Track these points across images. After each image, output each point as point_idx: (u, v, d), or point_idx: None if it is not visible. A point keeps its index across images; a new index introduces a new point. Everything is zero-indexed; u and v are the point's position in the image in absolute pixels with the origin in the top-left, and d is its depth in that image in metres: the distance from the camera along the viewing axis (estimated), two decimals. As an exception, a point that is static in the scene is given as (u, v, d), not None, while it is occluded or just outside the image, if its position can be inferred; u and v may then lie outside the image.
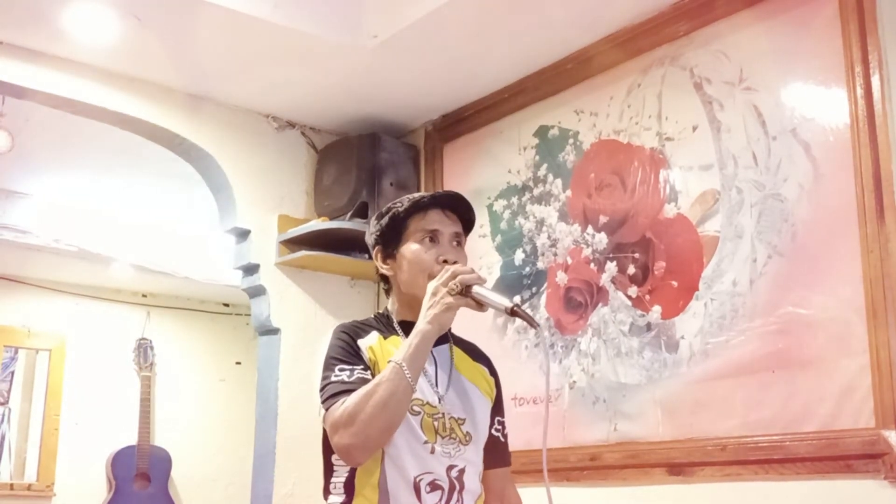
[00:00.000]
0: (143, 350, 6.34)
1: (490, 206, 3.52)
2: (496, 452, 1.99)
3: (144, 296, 6.51)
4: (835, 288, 2.45)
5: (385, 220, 1.92)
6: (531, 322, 1.76)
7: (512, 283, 3.38)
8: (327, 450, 1.83)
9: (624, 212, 3.04)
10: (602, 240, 3.09)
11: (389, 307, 1.96)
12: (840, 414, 2.40)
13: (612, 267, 3.04)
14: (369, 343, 1.85)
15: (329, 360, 1.81)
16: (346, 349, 1.82)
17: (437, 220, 1.89)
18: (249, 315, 3.89)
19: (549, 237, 3.28)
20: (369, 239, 1.97)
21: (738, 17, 2.79)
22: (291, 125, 3.87)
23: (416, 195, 1.93)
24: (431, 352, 1.84)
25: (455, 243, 1.90)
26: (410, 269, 1.87)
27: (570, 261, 3.19)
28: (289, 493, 3.54)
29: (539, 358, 3.22)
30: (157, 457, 6.13)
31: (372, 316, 1.98)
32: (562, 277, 3.21)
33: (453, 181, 3.69)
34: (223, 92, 3.59)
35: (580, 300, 3.13)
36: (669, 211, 2.90)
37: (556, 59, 3.28)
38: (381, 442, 1.73)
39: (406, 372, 1.70)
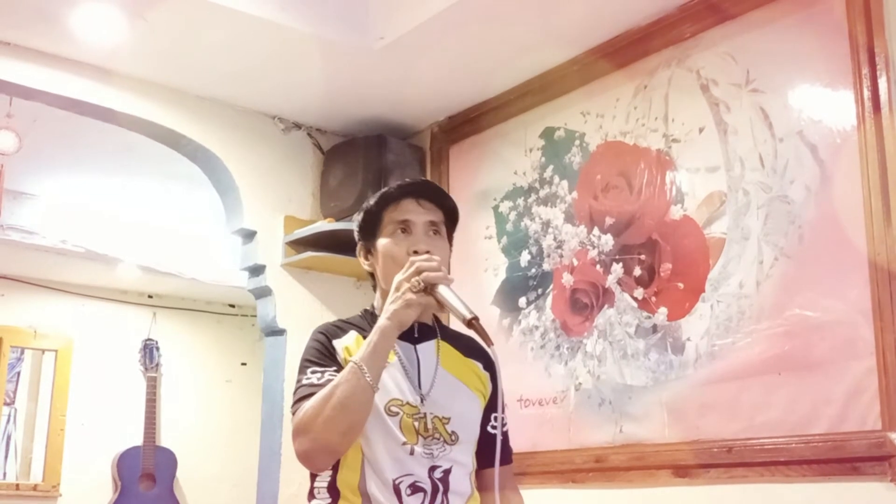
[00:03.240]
0: (149, 351, 6.35)
1: (496, 208, 3.52)
2: (493, 450, 1.81)
3: (150, 297, 6.52)
4: (841, 290, 2.45)
5: (361, 215, 1.88)
6: (486, 339, 1.67)
7: (518, 284, 3.38)
8: None
9: (630, 213, 3.03)
10: (608, 241, 3.09)
11: (375, 301, 1.90)
12: (847, 416, 2.39)
13: (617, 268, 3.04)
14: (346, 343, 1.80)
15: (303, 363, 1.78)
16: (321, 350, 1.78)
17: (410, 210, 1.82)
18: (255, 316, 3.89)
19: (554, 239, 3.28)
20: (355, 235, 1.93)
21: (744, 18, 2.78)
22: (298, 126, 3.87)
23: (393, 185, 1.87)
24: (415, 349, 1.81)
25: (432, 232, 1.83)
26: (385, 263, 1.81)
27: (575, 262, 3.19)
28: (294, 494, 3.54)
29: (545, 360, 3.22)
30: (162, 457, 6.13)
31: (359, 313, 1.92)
32: (567, 279, 3.21)
33: (459, 183, 3.69)
34: (230, 93, 3.60)
35: (586, 302, 3.13)
36: (676, 213, 2.90)
37: (563, 61, 3.28)
38: (342, 446, 1.67)
39: (364, 371, 1.63)
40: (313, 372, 1.73)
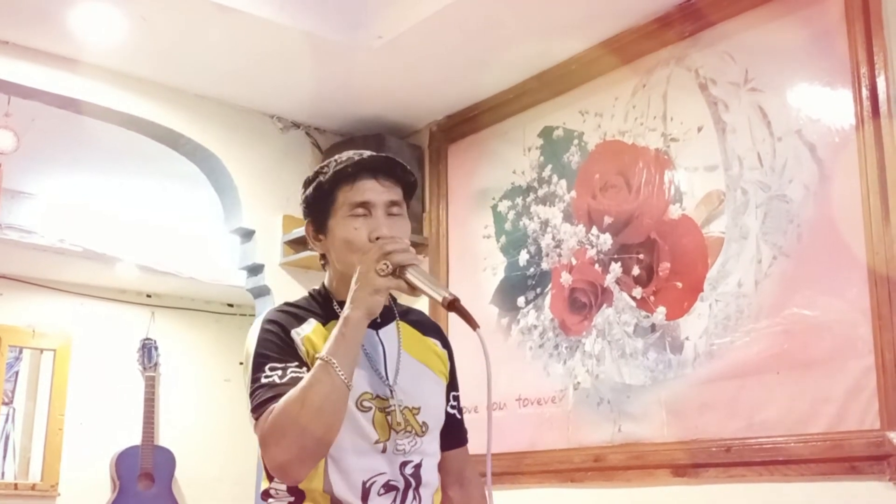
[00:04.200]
0: (148, 350, 6.34)
1: (494, 207, 3.52)
2: (453, 432, 1.78)
3: (149, 296, 6.51)
4: (840, 289, 2.45)
5: (310, 190, 1.67)
6: (470, 321, 1.50)
7: (516, 283, 3.38)
8: None
9: (629, 213, 3.03)
10: (607, 241, 3.09)
11: (327, 283, 1.72)
12: (845, 415, 2.39)
13: (616, 268, 3.04)
14: (305, 332, 1.61)
15: (258, 358, 1.58)
16: (277, 343, 1.59)
17: (368, 189, 1.63)
18: (254, 315, 3.89)
19: (553, 238, 3.28)
20: (300, 208, 1.74)
21: (743, 18, 2.78)
22: (296, 126, 3.87)
23: (343, 158, 1.66)
24: (377, 334, 1.65)
25: (393, 212, 1.65)
26: (342, 248, 1.63)
27: (574, 262, 3.19)
28: (293, 494, 3.53)
29: (543, 359, 3.22)
30: (161, 457, 6.13)
31: (308, 293, 1.73)
32: (566, 278, 3.21)
33: (457, 182, 3.69)
34: (228, 92, 3.60)
35: (585, 301, 3.13)
36: (674, 212, 2.90)
37: (561, 60, 3.28)
38: (319, 453, 1.51)
39: (337, 368, 1.47)
40: (272, 369, 1.55)
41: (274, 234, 3.72)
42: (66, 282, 6.11)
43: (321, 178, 1.66)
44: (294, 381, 1.51)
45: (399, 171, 1.67)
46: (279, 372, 1.54)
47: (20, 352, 6.27)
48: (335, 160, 1.66)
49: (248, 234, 3.71)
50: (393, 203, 1.65)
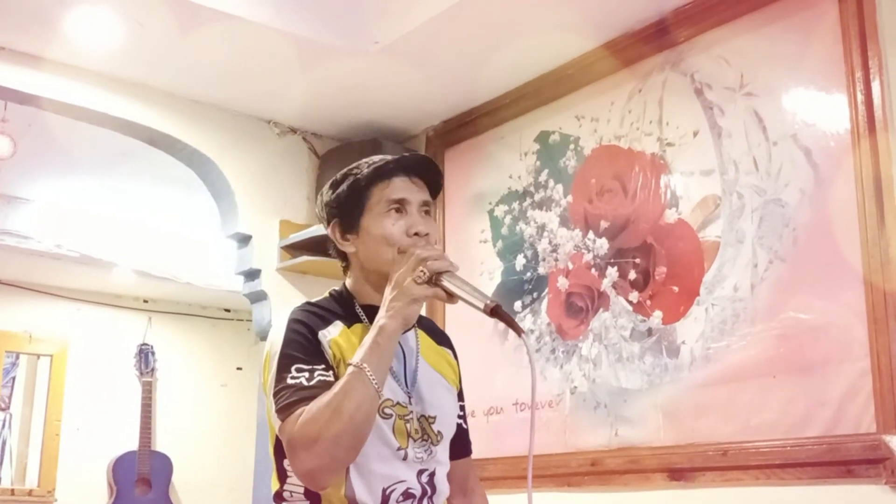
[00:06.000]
0: (145, 355, 6.34)
1: (491, 212, 3.53)
2: (460, 441, 1.79)
3: (146, 301, 6.51)
4: (836, 293, 2.45)
5: (343, 188, 1.66)
6: (514, 326, 1.53)
7: (513, 288, 3.39)
8: (279, 454, 1.59)
9: (625, 217, 3.04)
10: (603, 245, 3.09)
11: (349, 286, 1.71)
12: (841, 419, 2.40)
13: (613, 272, 3.04)
14: (332, 335, 1.60)
15: (284, 357, 1.55)
16: (305, 344, 1.57)
17: (404, 188, 1.64)
18: (251, 320, 3.89)
19: (550, 242, 3.29)
20: (323, 211, 1.72)
21: (738, 22, 2.79)
22: (293, 131, 3.87)
23: (377, 158, 1.67)
24: (399, 342, 1.59)
25: (424, 212, 1.66)
26: (377, 245, 1.62)
27: (571, 266, 3.20)
28: (290, 499, 3.53)
29: (540, 363, 3.22)
30: (158, 462, 6.12)
31: (328, 294, 1.72)
32: (563, 283, 3.21)
33: (454, 186, 3.69)
34: (225, 97, 3.60)
35: (581, 305, 3.13)
36: (670, 216, 2.90)
37: (557, 65, 3.28)
38: (348, 461, 1.51)
39: (371, 377, 1.47)
40: (299, 370, 1.53)
41: (271, 239, 3.72)
42: (62, 287, 6.11)
43: (357, 175, 1.66)
44: (322, 385, 1.50)
45: (432, 172, 1.70)
46: (306, 374, 1.53)
47: (17, 357, 6.26)
48: (366, 162, 1.67)
49: (244, 239, 3.71)
50: (425, 203, 1.67)
